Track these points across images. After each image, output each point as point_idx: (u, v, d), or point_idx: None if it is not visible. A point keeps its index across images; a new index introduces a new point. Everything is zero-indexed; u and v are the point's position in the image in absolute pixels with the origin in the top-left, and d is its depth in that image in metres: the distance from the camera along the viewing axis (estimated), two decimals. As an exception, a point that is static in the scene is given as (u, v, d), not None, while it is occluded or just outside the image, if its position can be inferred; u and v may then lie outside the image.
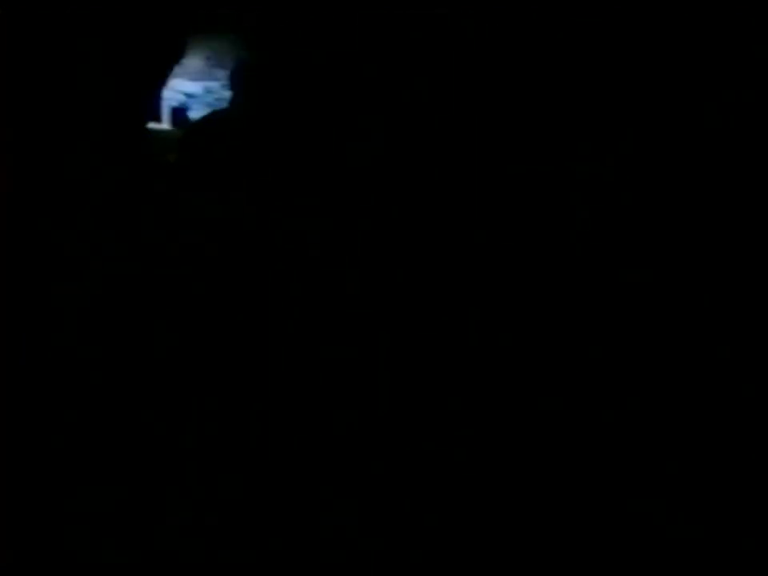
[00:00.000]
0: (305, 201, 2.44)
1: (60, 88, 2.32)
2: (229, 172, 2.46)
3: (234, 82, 2.43)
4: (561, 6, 2.40)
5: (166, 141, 3.03)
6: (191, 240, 2.42)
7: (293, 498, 2.34)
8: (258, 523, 2.30)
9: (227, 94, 2.77)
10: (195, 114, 3.28)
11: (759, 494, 2.28)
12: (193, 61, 3.24)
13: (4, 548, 2.19)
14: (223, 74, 3.21)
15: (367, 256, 2.43)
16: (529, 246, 2.43)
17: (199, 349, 2.40)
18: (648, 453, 2.35)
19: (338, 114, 2.44)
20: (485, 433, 2.37)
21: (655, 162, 2.43)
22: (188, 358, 2.39)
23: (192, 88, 3.34)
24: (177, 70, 2.99)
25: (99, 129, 2.40)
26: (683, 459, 2.34)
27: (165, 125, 3.30)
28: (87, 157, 2.38)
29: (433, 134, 2.44)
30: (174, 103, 3.33)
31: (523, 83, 2.44)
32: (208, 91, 3.27)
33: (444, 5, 2.39)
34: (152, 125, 2.65)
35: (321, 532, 2.28)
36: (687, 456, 2.34)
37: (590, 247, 2.43)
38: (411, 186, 2.44)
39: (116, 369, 2.36)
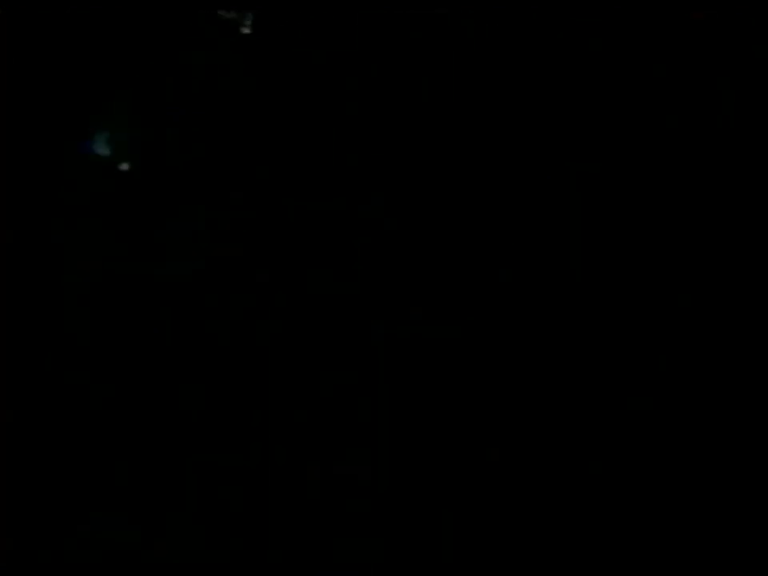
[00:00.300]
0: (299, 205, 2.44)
1: (59, 89, 2.33)
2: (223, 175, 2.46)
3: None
4: (561, 7, 2.40)
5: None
6: (192, 243, 2.43)
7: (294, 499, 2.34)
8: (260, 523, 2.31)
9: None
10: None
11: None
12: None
13: (3, 548, 2.20)
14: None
15: (365, 257, 2.43)
16: (529, 250, 2.43)
17: (202, 350, 2.40)
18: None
19: (335, 117, 2.44)
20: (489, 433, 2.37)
21: (655, 163, 2.43)
22: (190, 359, 2.39)
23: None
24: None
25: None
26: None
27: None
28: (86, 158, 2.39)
29: (432, 134, 2.44)
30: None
31: (524, 84, 2.43)
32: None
33: (444, 5, 2.39)
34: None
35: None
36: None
37: (590, 248, 2.42)
38: (409, 187, 2.44)
39: (116, 369, 2.37)
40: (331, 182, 2.44)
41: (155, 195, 2.41)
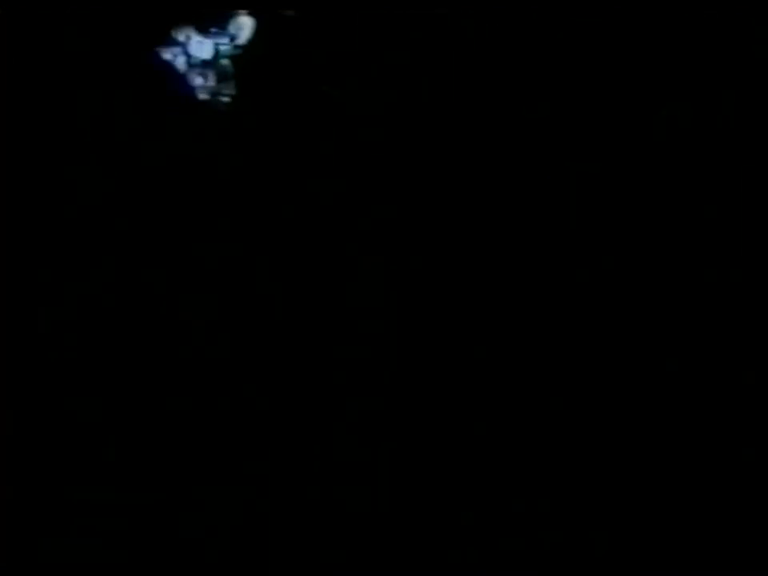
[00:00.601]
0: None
1: (59, 91, 2.33)
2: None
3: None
4: (561, 7, 2.40)
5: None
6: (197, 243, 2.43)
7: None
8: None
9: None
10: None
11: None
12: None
13: (3, 548, 2.20)
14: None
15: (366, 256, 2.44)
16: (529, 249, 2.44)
17: (202, 351, 2.41)
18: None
19: (334, 117, 2.45)
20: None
21: (654, 163, 2.43)
22: (190, 360, 2.40)
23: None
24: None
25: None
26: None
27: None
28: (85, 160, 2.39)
29: (431, 134, 2.44)
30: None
31: (524, 84, 2.44)
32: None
33: (444, 5, 2.39)
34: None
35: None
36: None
37: (589, 247, 2.43)
38: (408, 187, 2.45)
39: (117, 368, 2.37)
40: (330, 181, 2.44)
41: (155, 195, 2.41)
